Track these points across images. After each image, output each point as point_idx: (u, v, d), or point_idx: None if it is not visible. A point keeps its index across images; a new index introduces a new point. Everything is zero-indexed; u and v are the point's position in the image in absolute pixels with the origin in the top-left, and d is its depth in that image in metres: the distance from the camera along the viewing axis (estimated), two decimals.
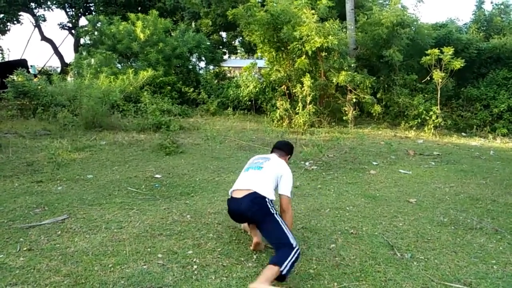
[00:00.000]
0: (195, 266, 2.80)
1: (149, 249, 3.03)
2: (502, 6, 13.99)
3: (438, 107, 10.23)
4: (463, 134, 10.44)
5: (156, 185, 4.86)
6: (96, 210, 3.87)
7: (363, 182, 5.32)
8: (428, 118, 10.08)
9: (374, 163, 6.47)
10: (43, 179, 4.93)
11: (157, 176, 5.27)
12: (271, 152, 3.48)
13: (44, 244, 3.08)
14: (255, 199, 2.89)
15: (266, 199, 2.91)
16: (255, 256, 2.99)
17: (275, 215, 2.87)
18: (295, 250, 2.62)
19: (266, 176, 3.05)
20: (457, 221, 3.85)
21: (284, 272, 2.48)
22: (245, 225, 3.31)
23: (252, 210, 2.86)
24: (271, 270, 2.45)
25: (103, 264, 2.78)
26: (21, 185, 4.70)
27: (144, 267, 2.76)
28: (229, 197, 3.12)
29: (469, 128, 10.78)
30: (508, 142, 9.47)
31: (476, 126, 10.74)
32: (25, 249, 2.99)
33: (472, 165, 6.54)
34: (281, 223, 2.82)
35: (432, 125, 9.96)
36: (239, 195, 2.98)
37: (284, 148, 3.47)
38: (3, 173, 5.17)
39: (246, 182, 3.05)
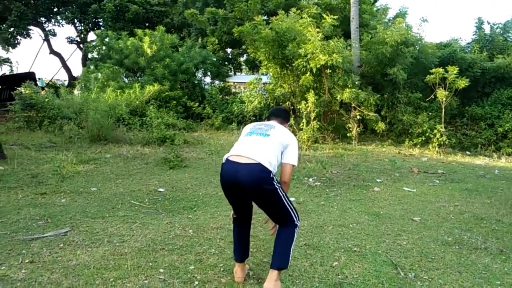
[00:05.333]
0: (196, 282, 2.77)
1: (150, 264, 3.02)
2: (501, 25, 14.04)
3: (443, 125, 10.23)
4: (467, 152, 10.40)
5: (159, 199, 4.86)
6: (99, 223, 3.87)
7: (367, 199, 5.29)
8: (432, 136, 10.08)
9: (378, 180, 6.45)
10: (47, 191, 4.95)
11: (160, 190, 5.28)
12: (268, 119, 3.08)
13: (46, 257, 3.08)
14: (260, 172, 2.54)
15: (271, 174, 2.58)
16: (257, 273, 2.97)
17: (278, 190, 2.61)
18: (296, 232, 2.70)
19: (273, 146, 2.68)
20: (461, 241, 3.81)
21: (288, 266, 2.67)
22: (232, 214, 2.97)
23: (253, 184, 2.54)
24: (276, 274, 2.60)
25: (104, 278, 2.77)
26: (25, 196, 4.73)
27: (145, 282, 2.74)
28: (224, 161, 2.74)
29: (474, 147, 10.74)
30: None
31: (480, 145, 10.70)
32: (27, 261, 2.99)
33: (477, 184, 6.49)
34: (284, 200, 2.64)
35: (437, 143, 9.95)
36: (239, 160, 2.61)
37: (282, 115, 3.10)
38: (8, 184, 5.20)
39: (249, 149, 2.65)
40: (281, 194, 2.62)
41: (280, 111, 3.17)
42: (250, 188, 2.56)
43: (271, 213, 2.76)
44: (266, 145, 2.66)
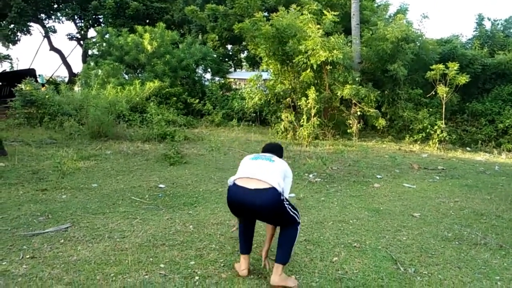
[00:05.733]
0: (196, 277, 2.79)
1: (151, 259, 3.03)
2: (503, 22, 14.00)
3: (443, 121, 10.23)
4: (468, 148, 10.40)
5: (160, 195, 4.87)
6: (100, 219, 3.88)
7: (367, 195, 5.30)
8: (432, 132, 10.09)
9: (378, 176, 6.45)
10: (48, 187, 4.96)
11: (160, 186, 5.29)
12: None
13: (47, 252, 3.09)
14: (272, 196, 2.60)
15: (282, 196, 2.66)
16: (257, 269, 2.98)
17: (287, 208, 2.71)
18: (298, 229, 2.81)
19: (279, 170, 2.79)
20: (461, 236, 3.82)
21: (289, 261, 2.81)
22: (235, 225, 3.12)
23: (264, 210, 2.63)
24: (281, 268, 2.68)
25: (105, 273, 2.78)
26: (26, 193, 4.74)
27: (146, 277, 2.76)
28: (231, 184, 2.78)
29: (474, 143, 10.76)
30: None
31: (481, 141, 10.71)
32: (28, 256, 3.00)
33: (477, 180, 6.50)
34: (289, 211, 2.72)
35: (437, 139, 9.95)
36: (249, 185, 2.65)
37: (276, 152, 3.17)
38: (9, 180, 5.21)
39: (258, 171, 2.72)
40: (288, 209, 2.73)
41: (275, 148, 3.27)
42: (260, 214, 2.73)
43: (278, 224, 2.91)
44: (273, 169, 2.78)
